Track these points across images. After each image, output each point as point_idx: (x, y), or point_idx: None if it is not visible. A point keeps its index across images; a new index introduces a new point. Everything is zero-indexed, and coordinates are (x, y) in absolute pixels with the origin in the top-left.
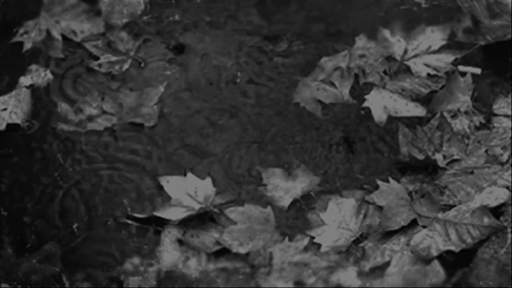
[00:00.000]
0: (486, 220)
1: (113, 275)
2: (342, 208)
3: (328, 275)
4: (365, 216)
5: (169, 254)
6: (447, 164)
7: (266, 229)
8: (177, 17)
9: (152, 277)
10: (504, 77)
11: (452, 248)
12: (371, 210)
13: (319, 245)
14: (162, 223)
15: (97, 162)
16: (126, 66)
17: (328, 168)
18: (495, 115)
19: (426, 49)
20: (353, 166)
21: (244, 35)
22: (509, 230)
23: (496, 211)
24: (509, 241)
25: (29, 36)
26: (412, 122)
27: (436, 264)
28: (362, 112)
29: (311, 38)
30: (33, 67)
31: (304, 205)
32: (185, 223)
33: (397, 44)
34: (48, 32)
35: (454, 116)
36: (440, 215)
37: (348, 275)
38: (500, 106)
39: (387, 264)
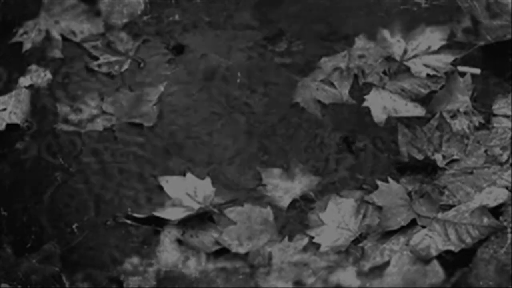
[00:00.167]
0: (485, 220)
1: (113, 275)
2: (342, 208)
3: (328, 275)
4: (364, 216)
5: (168, 254)
6: (447, 164)
7: (265, 229)
8: (176, 17)
9: (151, 277)
10: (503, 78)
11: (452, 248)
12: (371, 210)
13: (319, 245)
14: (162, 223)
15: (97, 162)
16: (125, 67)
17: (328, 168)
18: (495, 115)
19: (426, 49)
20: (353, 166)
21: (244, 36)
22: (508, 230)
23: (496, 211)
24: (508, 241)
25: (28, 36)
26: (412, 122)
27: (435, 264)
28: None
29: (311, 38)
30: (33, 67)
31: (303, 205)
32: (185, 223)
33: (396, 44)
34: (48, 33)
35: (453, 116)
36: (439, 215)
37: (348, 275)
38: (500, 106)
39: (387, 264)
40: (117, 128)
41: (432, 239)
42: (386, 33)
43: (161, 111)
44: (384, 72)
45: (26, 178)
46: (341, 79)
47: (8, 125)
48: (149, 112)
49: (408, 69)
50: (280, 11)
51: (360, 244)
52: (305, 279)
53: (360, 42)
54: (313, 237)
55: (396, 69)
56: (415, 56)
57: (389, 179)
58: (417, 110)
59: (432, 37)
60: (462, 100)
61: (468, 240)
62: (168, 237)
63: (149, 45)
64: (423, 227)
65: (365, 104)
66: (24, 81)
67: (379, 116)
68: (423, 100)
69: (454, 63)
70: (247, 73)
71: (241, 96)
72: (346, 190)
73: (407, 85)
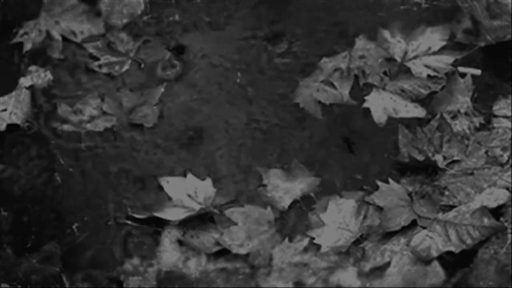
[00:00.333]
0: (486, 221)
1: (113, 275)
2: (342, 208)
3: (328, 275)
4: (365, 216)
5: (169, 254)
6: (447, 165)
7: (266, 229)
8: (177, 17)
9: (152, 278)
10: (504, 78)
11: (452, 248)
12: (371, 211)
13: (319, 246)
14: (162, 223)
15: (97, 163)
16: (126, 67)
17: (328, 168)
18: (495, 116)
19: (426, 50)
20: (353, 167)
21: (244, 36)
22: (509, 231)
23: (496, 212)
24: (509, 241)
25: (29, 37)
26: (412, 123)
27: (436, 264)
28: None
29: (311, 39)
30: (33, 68)
31: (304, 205)
32: (185, 224)
33: (397, 45)
34: (48, 33)
35: (454, 117)
36: (440, 216)
37: (348, 275)
38: (500, 107)
39: (387, 264)
40: (118, 129)
41: (433, 240)
42: (386, 33)
43: (162, 111)
44: (385, 73)
45: (26, 178)
46: (341, 80)
47: (8, 125)
48: (150, 112)
49: (408, 70)
50: (281, 12)
51: (361, 245)
52: (305, 280)
53: (360, 43)
54: (313, 238)
55: (396, 69)
56: (415, 57)
57: (390, 180)
58: (418, 111)
59: (432, 37)
60: (462, 101)
61: (469, 241)
62: (168, 238)
63: (150, 46)
64: (424, 228)
65: (365, 104)
66: (25, 81)
67: (379, 116)
68: (424, 101)
69: (455, 64)
70: (248, 73)
71: (242, 97)
72: (347, 191)
73: (408, 85)
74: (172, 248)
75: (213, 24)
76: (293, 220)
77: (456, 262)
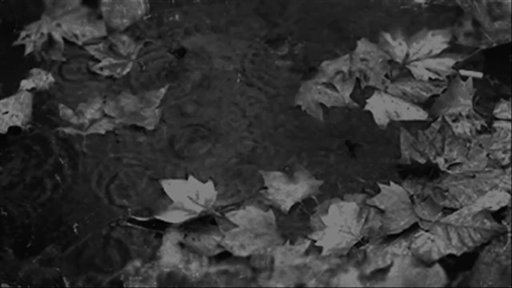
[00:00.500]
0: (487, 223)
1: (114, 277)
2: (344, 211)
3: (329, 278)
4: (366, 219)
5: (170, 257)
6: (449, 167)
7: (267, 232)
8: (178, 20)
9: (153, 280)
10: (505, 81)
11: (454, 251)
12: (373, 214)
13: (321, 249)
14: (164, 226)
15: (98, 166)
16: (127, 70)
17: (330, 171)
18: (497, 119)
19: (428, 53)
20: (355, 169)
21: (246, 39)
22: (510, 233)
23: (498, 215)
24: (510, 244)
25: (30, 39)
26: (414, 126)
27: (437, 267)
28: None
29: (313, 41)
30: (35, 70)
31: (305, 208)
32: (187, 226)
33: (398, 47)
34: (50, 36)
35: (455, 120)
36: (441, 218)
37: (350, 278)
38: (502, 110)
39: (389, 267)
40: (119, 131)
41: (434, 243)
42: (388, 36)
43: (163, 114)
44: (386, 76)
45: (27, 180)
46: (343, 82)
47: (10, 128)
48: (151, 115)
49: (410, 73)
50: (282, 14)
51: (362, 248)
52: (306, 282)
53: (362, 46)
54: (315, 241)
55: (398, 72)
56: (417, 60)
57: (391, 182)
58: (419, 114)
59: (434, 40)
60: (464, 103)
61: (470, 243)
62: (170, 240)
63: (151, 48)
64: (425, 230)
65: (367, 107)
66: (26, 84)
67: (381, 119)
68: (425, 104)
69: (456, 67)
70: (249, 76)
71: (243, 99)
72: (348, 193)
73: (409, 88)
74: (173, 251)
75: (214, 27)
76: (295, 223)
77: (457, 265)
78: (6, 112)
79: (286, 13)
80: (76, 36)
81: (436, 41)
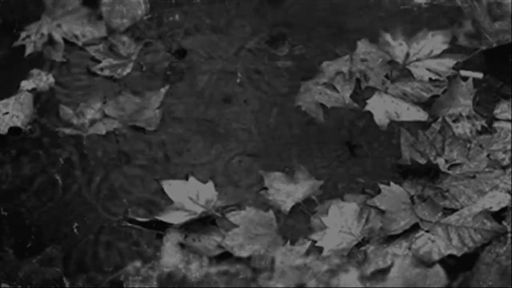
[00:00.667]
0: (488, 224)
1: (115, 278)
2: (344, 212)
3: (330, 278)
4: (367, 220)
5: (170, 257)
6: (449, 168)
7: (268, 232)
8: (178, 20)
9: (153, 281)
10: (505, 82)
11: (454, 252)
12: (373, 214)
13: (321, 249)
14: (164, 226)
15: (99, 166)
16: (128, 70)
17: (330, 172)
18: (497, 119)
19: (428, 53)
20: (355, 170)
21: (246, 39)
22: (510, 234)
23: (498, 215)
24: (510, 244)
25: (31, 40)
26: (414, 126)
27: (438, 268)
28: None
29: (313, 42)
30: (35, 71)
31: (306, 209)
32: (187, 227)
33: (398, 48)
34: (50, 36)
35: (455, 120)
36: (442, 219)
37: (350, 278)
38: (502, 110)
39: (389, 268)
40: (120, 132)
41: (435, 243)
42: (388, 37)
43: (163, 115)
44: (386, 76)
45: (27, 181)
46: (343, 83)
47: (10, 128)
48: (152, 116)
49: (410, 73)
50: (282, 15)
51: (363, 248)
52: (307, 283)
53: (362, 46)
54: (315, 241)
55: (398, 73)
56: (417, 60)
57: (392, 183)
58: (420, 114)
59: (434, 41)
60: (464, 104)
61: (471, 244)
62: (170, 241)
63: (151, 49)
64: (426, 231)
65: (367, 108)
66: (27, 84)
67: (381, 120)
68: (426, 104)
69: (456, 67)
70: (249, 76)
71: (243, 100)
72: (349, 194)
73: (409, 89)
74: (174, 251)
75: (214, 27)
76: (295, 223)
77: (458, 266)
78: (7, 113)
79: (286, 13)
80: (76, 36)
81: (437, 41)
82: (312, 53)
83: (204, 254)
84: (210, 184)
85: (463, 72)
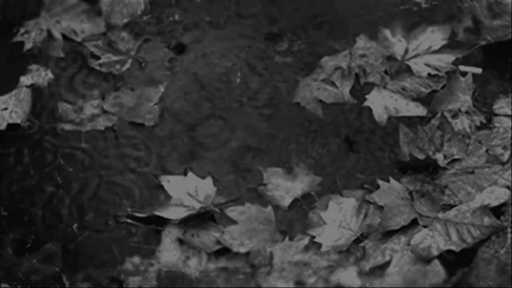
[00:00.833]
0: (486, 219)
1: (113, 275)
2: (343, 207)
3: (329, 274)
4: (365, 215)
5: (169, 253)
6: (448, 163)
7: (266, 228)
8: (177, 17)
9: (152, 277)
10: (504, 77)
11: (453, 247)
12: (372, 210)
13: (320, 245)
14: (163, 222)
15: (98, 162)
16: (126, 66)
17: (329, 167)
18: (496, 115)
19: (427, 49)
20: (354, 165)
21: (245, 35)
22: (509, 230)
23: (497, 211)
24: (509, 241)
25: (29, 36)
26: (413, 122)
27: (436, 263)
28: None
29: (312, 37)
30: (34, 66)
31: (304, 204)
32: (186, 223)
33: (397, 44)
34: (49, 32)
35: (454, 116)
36: (440, 214)
37: (349, 274)
38: (501, 106)
39: (388, 263)
40: (118, 128)
41: (433, 239)
42: (387, 32)
43: (162, 110)
44: (386, 72)
45: (26, 177)
46: (342, 79)
47: (9, 124)
48: (150, 111)
49: (409, 69)
50: (281, 11)
51: (361, 244)
52: (306, 279)
53: (361, 42)
54: (314, 237)
55: (397, 68)
56: (416, 56)
57: (390, 178)
58: (419, 110)
59: (433, 36)
60: (463, 99)
61: (469, 239)
62: (169, 237)
63: (150, 45)
64: (424, 226)
65: (366, 103)
66: (25, 80)
67: (380, 115)
68: (425, 100)
69: (456, 63)
70: (248, 72)
71: (242, 96)
72: (347, 189)
73: (408, 84)
74: (172, 247)
75: (213, 23)
76: (294, 219)
77: (456, 261)
78: (5, 109)
79: (286, 9)
80: (75, 32)
81: (436, 37)
82: (311, 49)
83: (202, 250)
84: (209, 179)
85: (462, 68)
